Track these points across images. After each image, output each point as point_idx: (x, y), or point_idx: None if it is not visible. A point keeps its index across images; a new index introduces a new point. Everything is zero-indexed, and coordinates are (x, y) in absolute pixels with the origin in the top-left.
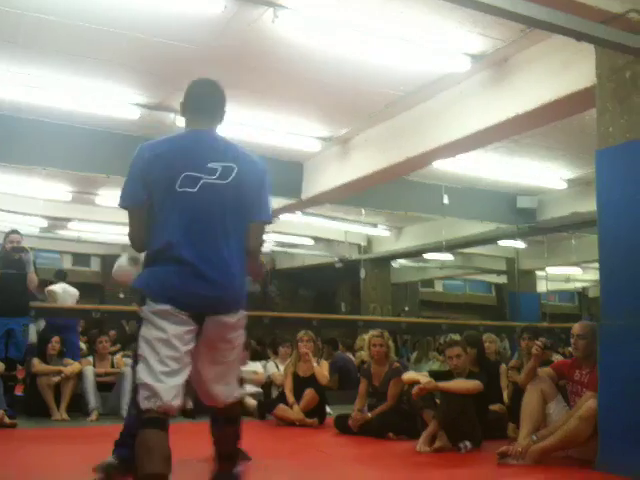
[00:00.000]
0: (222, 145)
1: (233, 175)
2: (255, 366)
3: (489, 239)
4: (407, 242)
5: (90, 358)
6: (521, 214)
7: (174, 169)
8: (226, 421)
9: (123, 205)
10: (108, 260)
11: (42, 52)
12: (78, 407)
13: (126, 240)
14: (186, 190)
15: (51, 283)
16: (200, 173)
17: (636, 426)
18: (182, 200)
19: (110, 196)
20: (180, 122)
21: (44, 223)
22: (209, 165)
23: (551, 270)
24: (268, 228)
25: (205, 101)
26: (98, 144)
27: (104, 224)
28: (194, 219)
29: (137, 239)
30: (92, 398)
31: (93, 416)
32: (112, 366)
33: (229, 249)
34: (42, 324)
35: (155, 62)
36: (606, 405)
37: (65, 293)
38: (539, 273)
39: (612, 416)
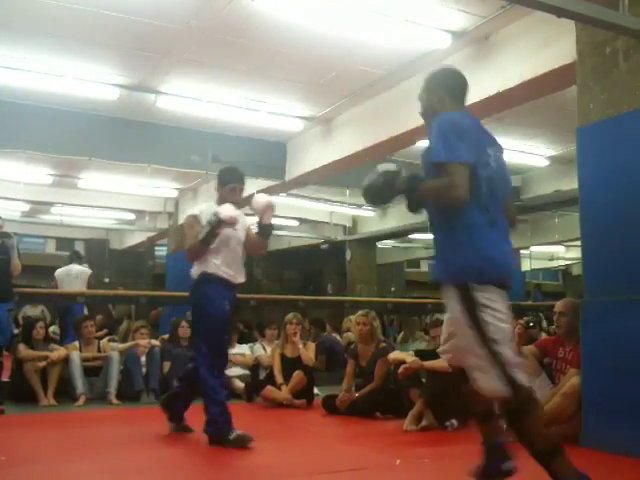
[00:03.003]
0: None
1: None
2: (242, 348)
3: None
4: (392, 222)
5: (76, 343)
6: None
7: (480, 142)
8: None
9: (456, 160)
10: (92, 244)
11: (20, 33)
12: (65, 392)
13: (110, 224)
14: (489, 163)
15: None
16: (489, 149)
17: (619, 401)
18: (487, 172)
19: (92, 179)
20: (161, 103)
21: (26, 207)
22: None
23: (535, 249)
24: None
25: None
26: (78, 126)
27: (87, 208)
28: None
29: (464, 195)
30: (79, 383)
31: (81, 401)
32: (98, 351)
33: None
34: (28, 310)
35: (134, 42)
36: (589, 381)
37: (68, 276)
38: (523, 252)
39: (595, 392)
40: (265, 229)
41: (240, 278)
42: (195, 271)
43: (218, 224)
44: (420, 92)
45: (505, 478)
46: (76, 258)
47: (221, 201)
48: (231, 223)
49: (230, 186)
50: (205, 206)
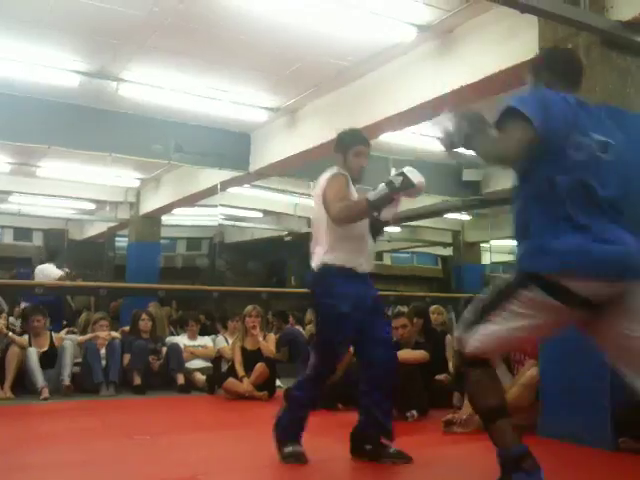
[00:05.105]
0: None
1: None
2: (204, 340)
3: (436, 212)
4: None
5: (25, 337)
6: (467, 187)
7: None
8: None
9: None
10: (51, 235)
11: None
12: (22, 385)
13: (69, 214)
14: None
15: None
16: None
17: (575, 391)
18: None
19: (51, 168)
20: (123, 91)
21: None
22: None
23: (495, 242)
24: (216, 201)
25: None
26: (37, 113)
27: (46, 197)
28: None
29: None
30: (39, 376)
31: (45, 393)
32: (51, 342)
33: None
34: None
35: (95, 27)
36: (546, 371)
37: (40, 273)
38: (484, 245)
39: (552, 382)
40: (380, 225)
41: (367, 267)
42: (315, 262)
43: (402, 187)
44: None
45: None
46: (48, 258)
47: (345, 168)
48: (419, 190)
49: (356, 149)
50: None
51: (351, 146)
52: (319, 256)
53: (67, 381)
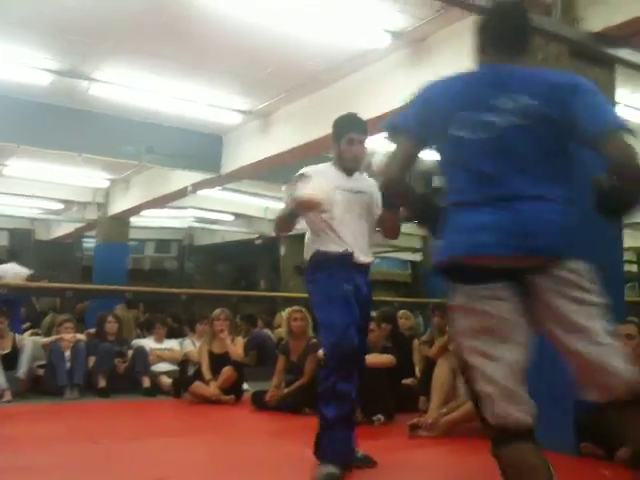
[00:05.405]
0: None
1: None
2: (171, 343)
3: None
4: None
5: None
6: (436, 193)
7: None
8: None
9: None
10: (16, 234)
11: None
12: None
13: (36, 214)
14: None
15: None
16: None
17: (537, 396)
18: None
19: (19, 166)
20: (94, 91)
21: None
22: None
23: None
24: (186, 203)
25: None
26: (6, 111)
27: (12, 196)
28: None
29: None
30: (1, 378)
31: (7, 396)
32: (14, 344)
33: None
34: None
35: (68, 25)
36: None
37: (5, 272)
38: None
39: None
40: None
41: (362, 256)
42: (305, 252)
43: (294, 206)
44: None
45: None
46: (10, 257)
47: (339, 160)
48: (308, 208)
49: (348, 137)
50: (323, 167)
51: (343, 134)
52: (308, 246)
53: (22, 375)
